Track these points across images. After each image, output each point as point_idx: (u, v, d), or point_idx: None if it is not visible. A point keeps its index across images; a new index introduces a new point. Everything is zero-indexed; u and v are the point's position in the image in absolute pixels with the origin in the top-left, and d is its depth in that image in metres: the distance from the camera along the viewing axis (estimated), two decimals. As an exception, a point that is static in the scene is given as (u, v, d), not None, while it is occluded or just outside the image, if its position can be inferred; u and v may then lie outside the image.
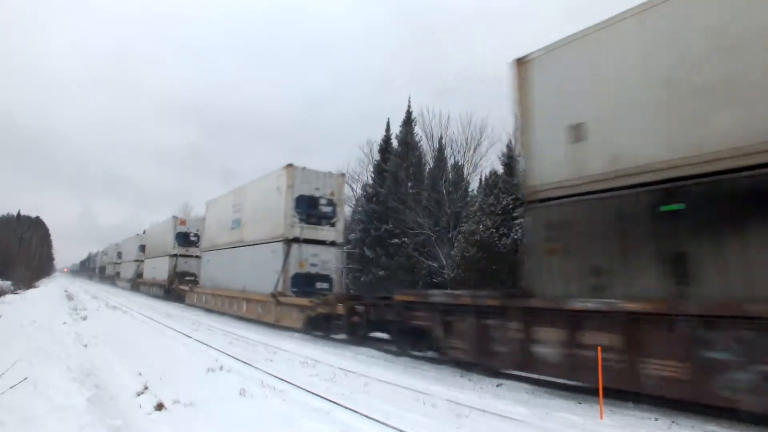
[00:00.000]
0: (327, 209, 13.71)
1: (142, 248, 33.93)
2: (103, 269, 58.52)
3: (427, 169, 23.60)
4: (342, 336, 10.59)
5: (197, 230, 24.73)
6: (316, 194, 13.55)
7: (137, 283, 33.70)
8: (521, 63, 6.98)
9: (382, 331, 9.74)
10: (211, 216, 20.09)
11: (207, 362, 7.34)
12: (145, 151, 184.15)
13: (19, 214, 62.58)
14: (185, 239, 25.14)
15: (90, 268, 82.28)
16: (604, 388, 5.11)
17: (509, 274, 14.75)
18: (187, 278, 23.10)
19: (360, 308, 9.83)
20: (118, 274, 45.04)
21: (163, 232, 27.13)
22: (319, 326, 11.13)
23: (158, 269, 27.29)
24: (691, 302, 4.89)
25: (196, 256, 23.47)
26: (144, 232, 35.48)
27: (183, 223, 26.01)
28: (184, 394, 5.14)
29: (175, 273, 24.17)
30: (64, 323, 12.01)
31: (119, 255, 45.23)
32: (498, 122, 26.70)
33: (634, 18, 5.72)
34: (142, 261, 33.50)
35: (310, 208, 13.39)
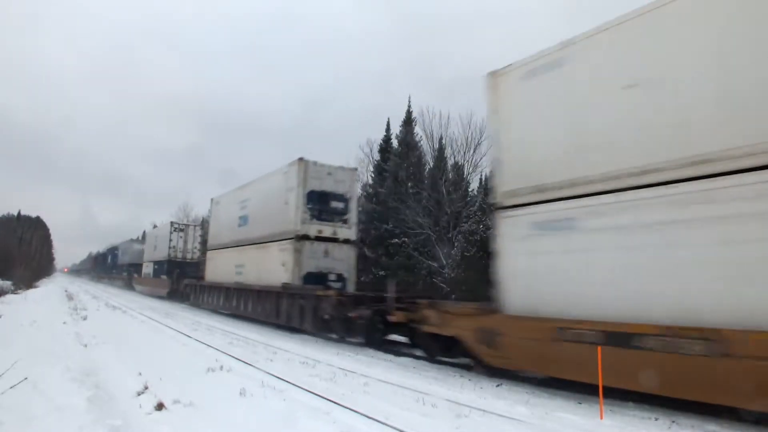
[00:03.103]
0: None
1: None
2: (166, 267, 26.24)
3: (427, 169, 23.57)
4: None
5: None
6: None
7: None
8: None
9: None
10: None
11: (207, 362, 7.33)
12: (145, 151, 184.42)
13: (19, 214, 62.67)
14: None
15: (115, 267, 46.27)
16: (604, 388, 5.10)
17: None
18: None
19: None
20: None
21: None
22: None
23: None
24: None
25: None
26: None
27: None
28: (184, 394, 5.13)
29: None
30: (64, 323, 12.02)
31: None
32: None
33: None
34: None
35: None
